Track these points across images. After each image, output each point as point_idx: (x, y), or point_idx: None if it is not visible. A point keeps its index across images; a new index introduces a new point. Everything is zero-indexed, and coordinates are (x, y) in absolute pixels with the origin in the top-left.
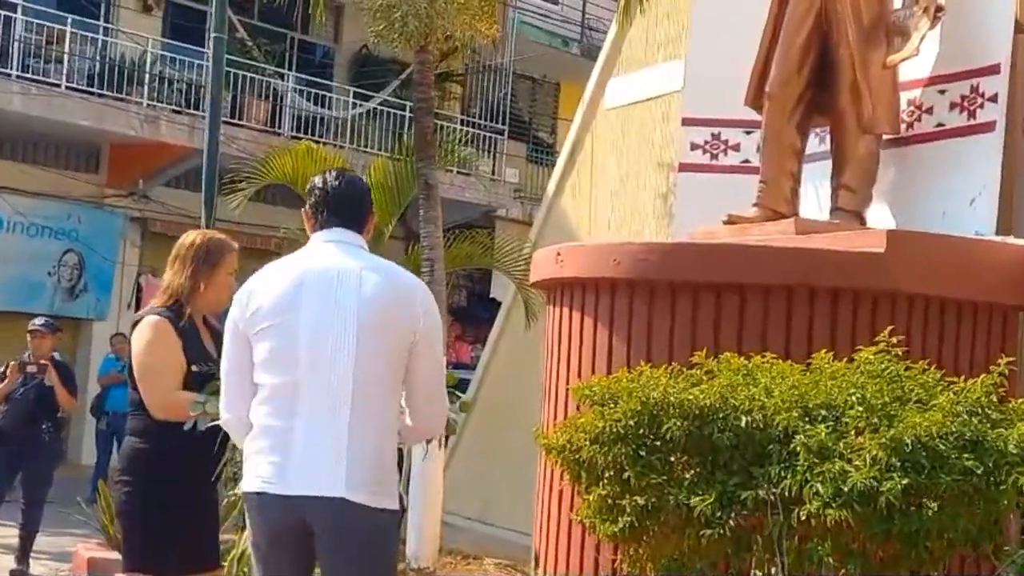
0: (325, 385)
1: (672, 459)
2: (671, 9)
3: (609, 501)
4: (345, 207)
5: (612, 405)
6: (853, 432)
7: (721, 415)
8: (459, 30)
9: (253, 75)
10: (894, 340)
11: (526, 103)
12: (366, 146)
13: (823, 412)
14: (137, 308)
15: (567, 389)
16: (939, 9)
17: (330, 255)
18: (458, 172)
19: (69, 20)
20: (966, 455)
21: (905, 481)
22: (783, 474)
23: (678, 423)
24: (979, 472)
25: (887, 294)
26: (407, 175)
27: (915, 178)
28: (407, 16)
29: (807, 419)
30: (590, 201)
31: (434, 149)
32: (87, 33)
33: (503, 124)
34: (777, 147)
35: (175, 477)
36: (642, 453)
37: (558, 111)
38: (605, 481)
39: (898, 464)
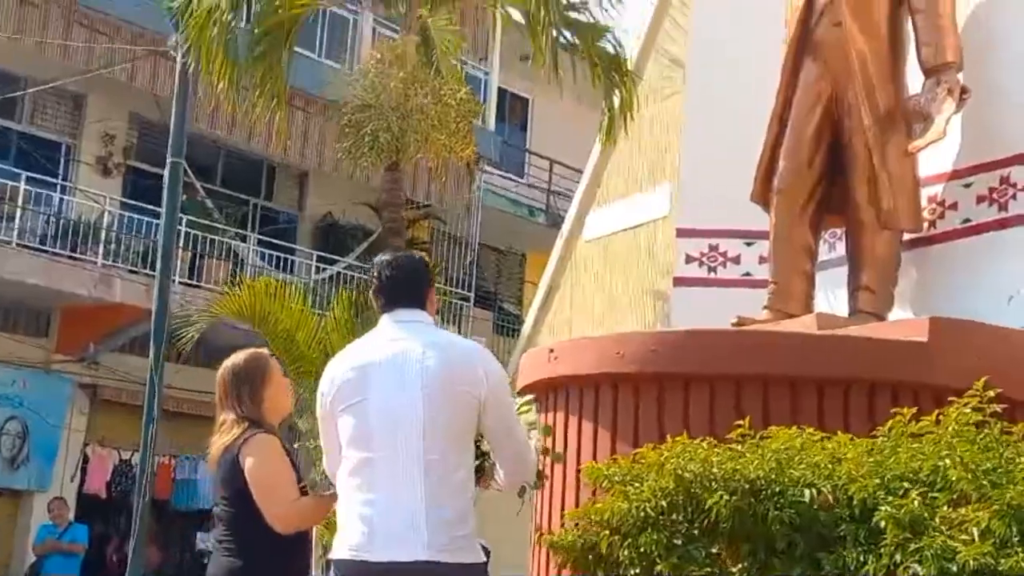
0: (398, 459)
1: (716, 548)
2: (654, 130)
3: None
4: (401, 290)
5: (637, 485)
6: (946, 506)
7: (777, 488)
8: (433, 151)
9: (214, 236)
10: (990, 394)
11: (492, 274)
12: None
13: (905, 484)
14: (82, 480)
15: (562, 510)
16: (964, 91)
17: (394, 335)
18: None
19: (23, 177)
20: None
21: None
22: (863, 558)
23: (725, 497)
24: None
25: (930, 389)
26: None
27: (941, 278)
28: (377, 132)
29: (887, 491)
30: (570, 337)
31: None
32: (42, 191)
33: (469, 291)
34: (788, 245)
35: None
36: (677, 541)
37: (524, 281)
38: None
39: (1018, 537)
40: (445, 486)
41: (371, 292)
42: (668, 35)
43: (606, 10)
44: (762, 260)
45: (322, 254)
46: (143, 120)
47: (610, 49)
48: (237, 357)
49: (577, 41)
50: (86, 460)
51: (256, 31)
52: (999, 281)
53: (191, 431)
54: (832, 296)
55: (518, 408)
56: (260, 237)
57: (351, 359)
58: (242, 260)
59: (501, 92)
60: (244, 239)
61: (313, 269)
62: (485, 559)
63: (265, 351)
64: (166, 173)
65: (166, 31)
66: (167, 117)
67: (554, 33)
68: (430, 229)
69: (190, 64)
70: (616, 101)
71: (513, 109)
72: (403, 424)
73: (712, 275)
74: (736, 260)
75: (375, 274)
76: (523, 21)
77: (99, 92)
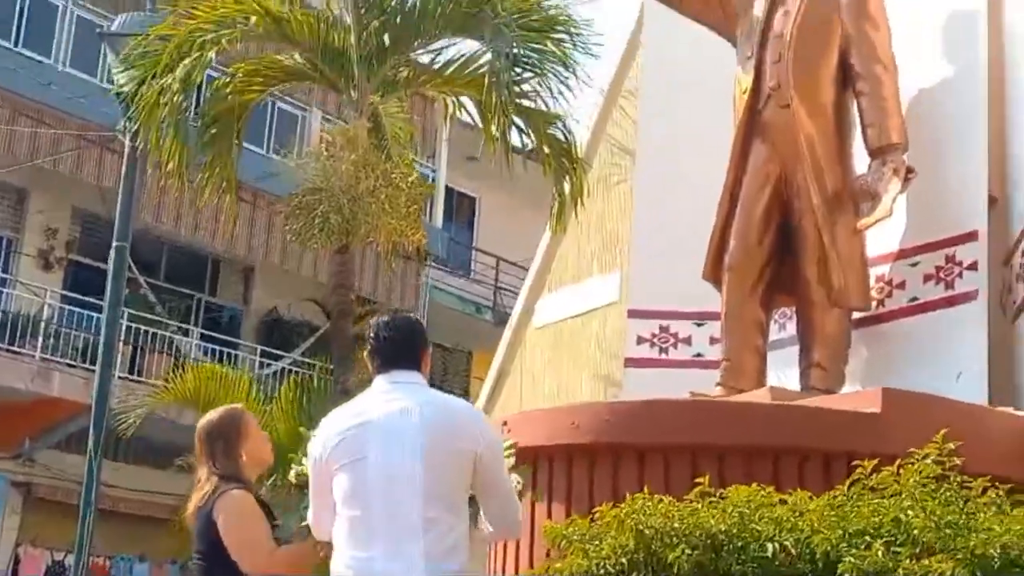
0: (396, 517)
1: None
2: (603, 218)
3: None
4: (396, 352)
5: (597, 544)
6: (908, 559)
7: (739, 543)
8: (384, 236)
9: (155, 330)
10: (949, 447)
11: (438, 371)
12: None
13: (867, 538)
14: None
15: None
16: (909, 171)
17: (390, 396)
18: None
19: None
20: None
21: None
22: None
23: (687, 552)
24: None
25: (884, 459)
26: (321, 390)
27: (891, 357)
28: (328, 213)
29: (850, 544)
30: None
31: (354, 354)
32: None
33: None
34: (739, 322)
35: None
36: None
37: (470, 379)
38: None
39: None
40: (442, 544)
41: (366, 353)
42: (617, 124)
43: (555, 99)
44: (713, 341)
45: (266, 349)
46: (86, 214)
47: (560, 136)
48: (213, 414)
49: (528, 129)
50: (17, 561)
51: (206, 116)
52: (948, 358)
53: (127, 531)
54: (783, 376)
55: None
56: (203, 332)
57: (347, 419)
58: (184, 355)
59: (448, 191)
60: (187, 333)
61: (257, 364)
62: None
63: (239, 406)
64: (111, 256)
65: (112, 121)
66: (111, 211)
67: (505, 120)
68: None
69: (139, 145)
70: (566, 188)
71: (460, 208)
72: (401, 483)
73: (663, 356)
74: (687, 341)
75: (371, 335)
76: (474, 111)
77: (43, 186)
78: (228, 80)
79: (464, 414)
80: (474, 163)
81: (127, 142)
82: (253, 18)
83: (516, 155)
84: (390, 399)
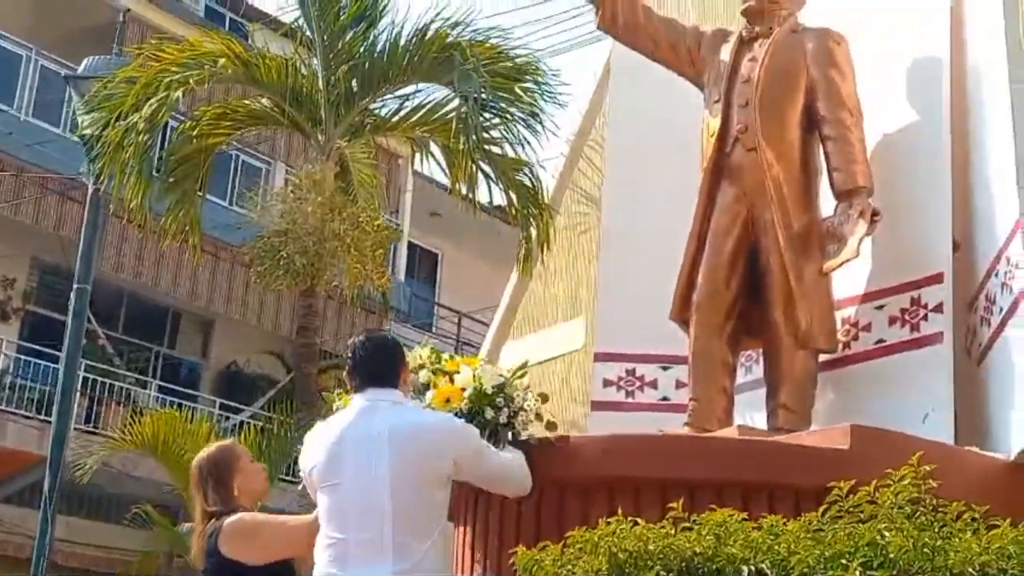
0: (369, 540)
1: None
2: (569, 265)
3: None
4: (374, 370)
5: (570, 567)
6: None
7: (714, 565)
8: (350, 280)
9: (112, 382)
10: (925, 469)
11: None
12: None
13: (843, 561)
14: None
15: None
16: (875, 213)
17: (366, 416)
18: None
19: None
20: None
21: None
22: None
23: (662, 574)
24: None
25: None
26: (283, 437)
27: (857, 399)
28: (293, 255)
29: (827, 567)
30: None
31: (318, 399)
32: None
33: None
34: (707, 362)
35: None
36: None
37: None
38: None
39: None
40: (409, 563)
41: (345, 372)
42: (583, 173)
43: (521, 145)
44: (679, 385)
45: (225, 402)
46: (45, 264)
47: (527, 182)
48: (204, 452)
49: (495, 175)
50: None
51: (171, 159)
52: (914, 400)
53: None
54: (749, 419)
55: (513, 374)
56: (161, 384)
57: (326, 439)
58: (142, 407)
59: (411, 247)
60: (145, 385)
61: (215, 417)
62: None
63: (231, 441)
64: (71, 299)
65: (73, 171)
66: (71, 261)
67: (472, 165)
68: (337, 379)
69: (102, 186)
70: (533, 234)
71: (422, 263)
72: (371, 510)
73: (630, 399)
74: (653, 384)
75: (349, 354)
76: (441, 159)
77: (1, 235)
78: (194, 123)
79: (434, 431)
80: (437, 219)
81: (90, 185)
82: (221, 60)
83: (481, 211)
84: (364, 421)
